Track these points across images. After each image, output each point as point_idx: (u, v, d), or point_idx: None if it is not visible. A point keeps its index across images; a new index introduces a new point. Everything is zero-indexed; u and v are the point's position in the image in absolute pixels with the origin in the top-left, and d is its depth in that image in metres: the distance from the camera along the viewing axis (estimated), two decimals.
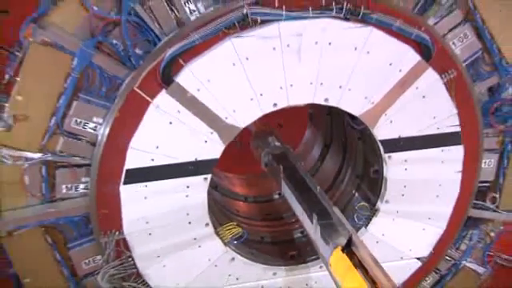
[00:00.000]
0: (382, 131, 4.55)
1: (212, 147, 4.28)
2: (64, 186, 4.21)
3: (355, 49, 4.19)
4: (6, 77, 3.91)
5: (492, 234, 5.36)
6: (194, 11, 4.04)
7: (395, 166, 4.69)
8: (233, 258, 4.73)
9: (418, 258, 5.11)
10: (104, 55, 4.02)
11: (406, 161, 4.68)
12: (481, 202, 5.14)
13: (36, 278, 4.37)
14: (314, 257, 4.98)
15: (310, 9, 4.02)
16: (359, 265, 3.16)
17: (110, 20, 3.97)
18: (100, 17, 3.93)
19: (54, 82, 3.95)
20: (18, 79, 3.86)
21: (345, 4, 4.04)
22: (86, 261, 4.47)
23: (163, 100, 4.03)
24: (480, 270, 5.44)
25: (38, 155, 4.03)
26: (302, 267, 4.98)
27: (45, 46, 3.84)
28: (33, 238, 4.28)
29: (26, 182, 4.09)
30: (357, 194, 5.35)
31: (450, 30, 4.55)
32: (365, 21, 4.13)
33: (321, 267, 4.89)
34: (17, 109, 3.90)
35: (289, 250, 5.37)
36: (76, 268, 4.48)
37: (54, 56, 3.89)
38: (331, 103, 4.39)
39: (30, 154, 4.01)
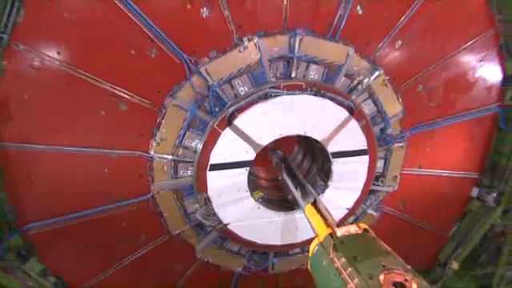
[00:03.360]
0: (332, 148, 4.34)
1: (249, 154, 4.12)
2: (181, 171, 4.12)
3: (319, 108, 4.05)
4: (157, 120, 3.85)
5: (381, 197, 5.06)
6: (243, 90, 3.95)
7: (337, 164, 4.46)
8: (259, 207, 4.52)
9: (347, 209, 4.82)
10: (201, 111, 3.94)
11: (342, 162, 4.45)
12: (376, 182, 4.86)
13: (169, 213, 4.23)
14: (297, 207, 4.72)
15: (297, 90, 3.93)
16: (319, 212, 3.04)
17: (204, 95, 3.90)
18: (200, 93, 3.87)
19: (178, 123, 3.89)
20: (163, 121, 3.83)
21: (314, 88, 3.95)
22: (191, 206, 4.34)
23: (227, 132, 3.91)
24: (375, 214, 5.13)
25: (170, 157, 3.97)
26: (292, 212, 4.74)
27: (175, 107, 3.81)
28: (167, 195, 4.19)
29: (165, 169, 4.03)
30: (318, 178, 5.09)
31: (363, 101, 4.37)
32: (324, 96, 4.01)
33: (301, 213, 4.61)
34: (162, 135, 3.85)
35: (285, 204, 5.11)
36: (187, 209, 4.35)
37: (179, 112, 3.85)
38: (308, 134, 4.20)
39: (166, 156, 3.95)
